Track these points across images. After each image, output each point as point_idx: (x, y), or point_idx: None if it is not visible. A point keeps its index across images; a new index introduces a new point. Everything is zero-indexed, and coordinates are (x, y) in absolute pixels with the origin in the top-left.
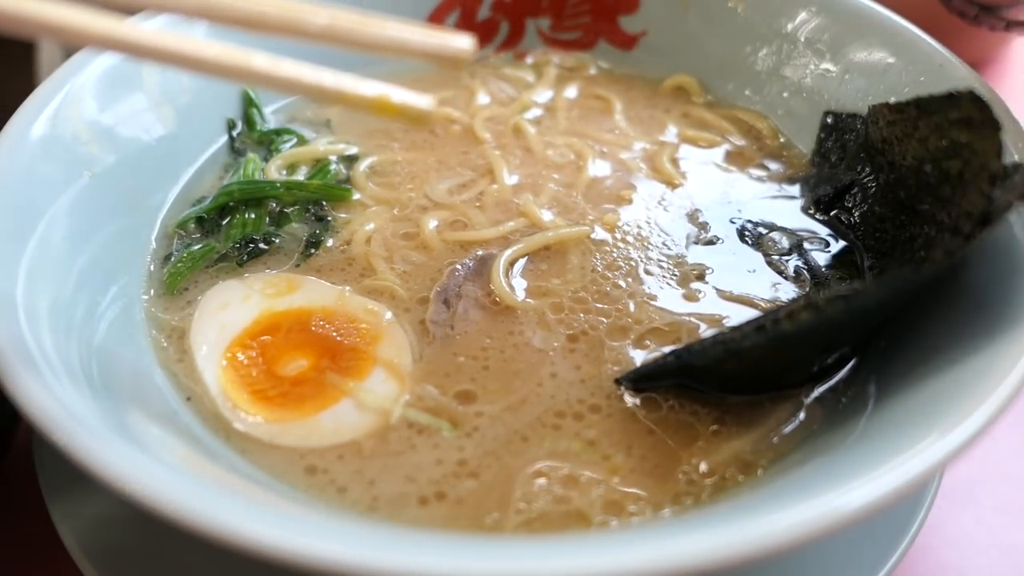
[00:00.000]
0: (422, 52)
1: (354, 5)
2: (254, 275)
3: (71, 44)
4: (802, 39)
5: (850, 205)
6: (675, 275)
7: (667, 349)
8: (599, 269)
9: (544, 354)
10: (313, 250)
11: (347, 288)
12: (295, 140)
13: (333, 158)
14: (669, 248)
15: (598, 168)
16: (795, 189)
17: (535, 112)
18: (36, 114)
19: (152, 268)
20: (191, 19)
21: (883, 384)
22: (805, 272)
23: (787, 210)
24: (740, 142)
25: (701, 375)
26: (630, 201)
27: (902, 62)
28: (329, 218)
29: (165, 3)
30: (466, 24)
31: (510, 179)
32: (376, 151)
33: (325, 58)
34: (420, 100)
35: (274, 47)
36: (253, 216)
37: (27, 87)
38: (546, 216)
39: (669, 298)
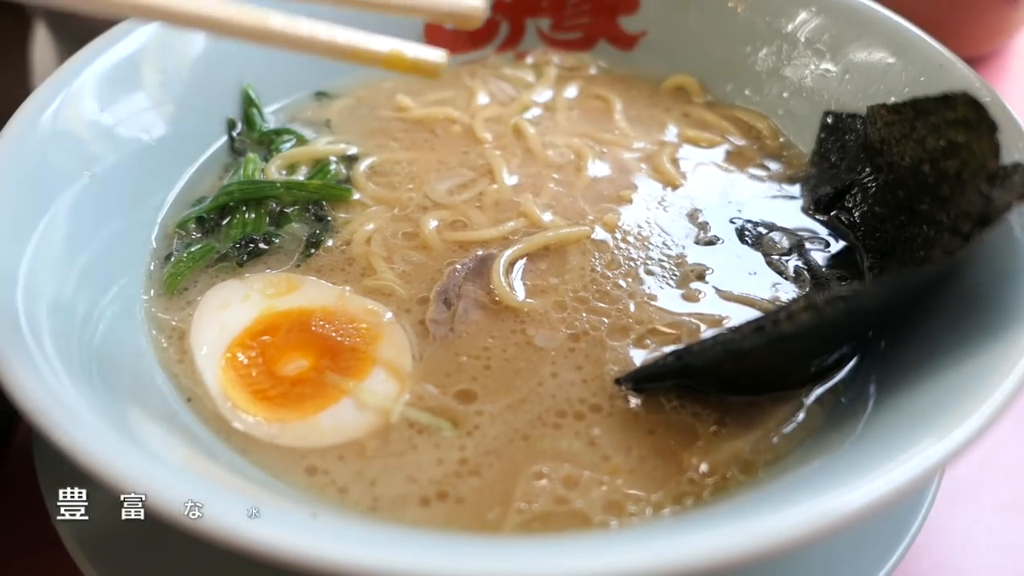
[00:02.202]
0: (435, 12)
1: None
2: (254, 275)
3: (88, 11)
4: (802, 39)
5: (850, 205)
6: (675, 275)
7: (667, 349)
8: (599, 269)
9: (545, 353)
10: (313, 250)
11: (347, 288)
12: (295, 140)
13: (333, 158)
14: (669, 248)
15: (598, 168)
16: (795, 189)
17: (535, 112)
18: (36, 114)
19: (152, 268)
20: None
21: (883, 384)
22: (805, 272)
23: (787, 210)
24: (740, 142)
25: (701, 376)
26: (630, 201)
27: (902, 62)
28: (329, 218)
29: None
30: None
31: (510, 179)
32: (376, 151)
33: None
34: (433, 54)
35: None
36: (253, 216)
37: (23, 87)
38: (546, 216)
39: (669, 298)
